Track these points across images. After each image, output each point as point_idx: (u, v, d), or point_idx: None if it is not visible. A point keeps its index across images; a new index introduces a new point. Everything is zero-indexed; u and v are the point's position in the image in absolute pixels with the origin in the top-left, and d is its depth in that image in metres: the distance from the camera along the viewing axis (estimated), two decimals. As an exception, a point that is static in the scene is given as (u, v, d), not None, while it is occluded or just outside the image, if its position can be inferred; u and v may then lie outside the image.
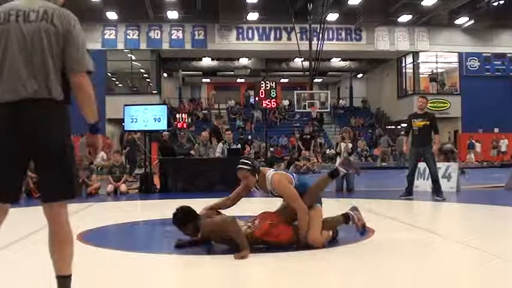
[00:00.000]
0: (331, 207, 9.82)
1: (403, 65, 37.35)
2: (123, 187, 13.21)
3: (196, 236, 5.34)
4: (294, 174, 5.84)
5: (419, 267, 4.76)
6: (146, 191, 13.24)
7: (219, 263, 5.01)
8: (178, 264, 5.16)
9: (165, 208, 9.66)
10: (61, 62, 3.15)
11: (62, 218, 3.21)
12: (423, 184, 12.57)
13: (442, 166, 12.69)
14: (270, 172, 5.57)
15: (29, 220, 6.37)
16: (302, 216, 5.31)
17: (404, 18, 33.70)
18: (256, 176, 5.53)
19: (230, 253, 5.05)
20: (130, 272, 4.70)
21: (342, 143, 13.06)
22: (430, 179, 11.33)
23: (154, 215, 8.67)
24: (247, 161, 5.61)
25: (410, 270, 4.73)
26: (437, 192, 10.81)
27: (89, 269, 4.50)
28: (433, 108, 30.07)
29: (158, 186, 13.50)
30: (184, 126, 29.08)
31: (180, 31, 33.63)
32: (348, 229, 5.78)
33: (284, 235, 5.34)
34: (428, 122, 11.02)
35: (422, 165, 11.97)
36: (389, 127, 38.03)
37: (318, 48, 30.58)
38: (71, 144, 3.22)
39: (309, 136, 26.58)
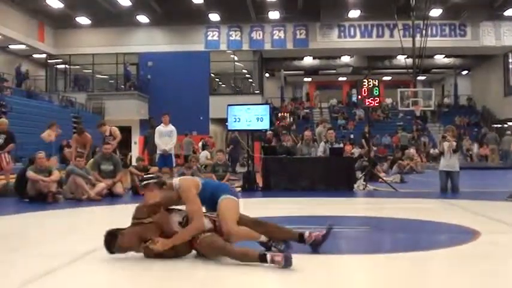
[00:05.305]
0: (436, 209, 9.71)
1: (510, 60, 35.86)
2: (226, 185, 13.52)
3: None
4: (204, 181, 5.37)
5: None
6: (249, 189, 13.48)
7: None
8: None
9: (267, 207, 9.89)
10: None
11: None
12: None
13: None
14: (175, 179, 5.20)
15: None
16: (194, 219, 4.89)
17: (511, 12, 32.27)
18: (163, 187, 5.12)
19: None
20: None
21: (445, 142, 12.78)
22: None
23: (258, 212, 8.79)
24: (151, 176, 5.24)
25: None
26: (549, 193, 10.41)
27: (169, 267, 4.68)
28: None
29: (261, 185, 13.71)
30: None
31: (282, 31, 33.97)
32: (449, 231, 5.67)
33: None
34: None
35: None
36: (495, 126, 36.55)
37: (421, 45, 29.93)
38: None
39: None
